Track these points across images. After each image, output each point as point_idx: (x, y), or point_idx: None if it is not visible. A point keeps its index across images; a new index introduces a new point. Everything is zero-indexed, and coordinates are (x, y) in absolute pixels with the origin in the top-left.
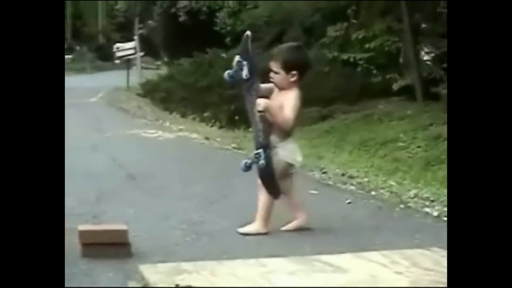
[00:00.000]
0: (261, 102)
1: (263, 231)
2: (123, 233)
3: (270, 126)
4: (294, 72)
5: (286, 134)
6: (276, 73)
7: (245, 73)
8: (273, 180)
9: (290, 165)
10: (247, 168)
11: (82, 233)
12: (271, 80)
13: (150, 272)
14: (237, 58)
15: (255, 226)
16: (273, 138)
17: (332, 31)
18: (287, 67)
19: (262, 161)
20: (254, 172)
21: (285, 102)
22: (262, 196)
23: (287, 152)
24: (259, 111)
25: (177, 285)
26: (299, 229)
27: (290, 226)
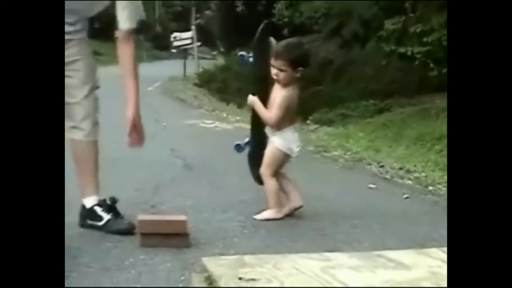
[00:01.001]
0: (249, 98)
1: (279, 216)
2: (183, 223)
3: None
4: (300, 68)
5: (280, 125)
6: (282, 70)
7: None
8: (254, 168)
9: (286, 154)
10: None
11: (142, 223)
12: (276, 77)
13: (213, 264)
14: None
15: (270, 212)
16: (269, 128)
17: (389, 24)
18: (295, 64)
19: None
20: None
21: (277, 99)
22: (268, 184)
23: (283, 141)
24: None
25: (240, 278)
26: (293, 211)
27: (285, 209)
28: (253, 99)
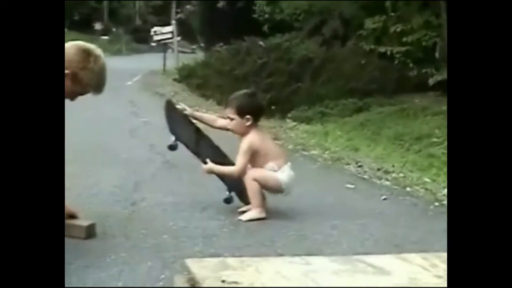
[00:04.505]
0: (203, 168)
1: (263, 215)
2: (82, 229)
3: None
4: (248, 116)
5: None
6: (232, 119)
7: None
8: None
9: (277, 189)
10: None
11: None
12: (230, 127)
13: (197, 266)
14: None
15: (254, 213)
16: (271, 164)
17: (370, 23)
18: (242, 113)
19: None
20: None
21: (240, 148)
22: (250, 185)
23: (286, 179)
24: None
25: (223, 280)
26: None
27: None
28: (208, 168)
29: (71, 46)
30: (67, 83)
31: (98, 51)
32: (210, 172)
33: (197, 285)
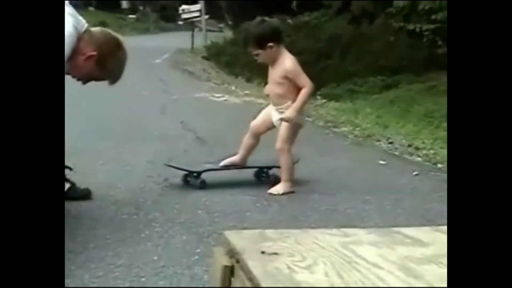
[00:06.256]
0: (286, 119)
1: (291, 189)
2: None
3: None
4: (269, 44)
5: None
6: (257, 54)
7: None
8: None
9: (299, 125)
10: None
11: None
12: (259, 61)
13: (236, 238)
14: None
15: (283, 187)
16: (277, 106)
17: (398, 1)
18: (260, 44)
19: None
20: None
21: (289, 72)
22: (285, 158)
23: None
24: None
25: (263, 252)
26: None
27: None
28: (288, 115)
29: (104, 31)
30: (91, 64)
31: (124, 44)
32: (292, 116)
33: (236, 257)
